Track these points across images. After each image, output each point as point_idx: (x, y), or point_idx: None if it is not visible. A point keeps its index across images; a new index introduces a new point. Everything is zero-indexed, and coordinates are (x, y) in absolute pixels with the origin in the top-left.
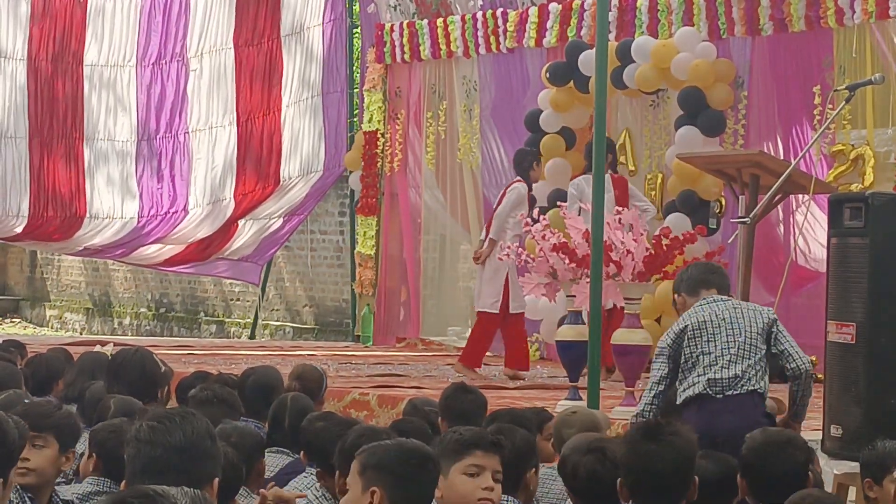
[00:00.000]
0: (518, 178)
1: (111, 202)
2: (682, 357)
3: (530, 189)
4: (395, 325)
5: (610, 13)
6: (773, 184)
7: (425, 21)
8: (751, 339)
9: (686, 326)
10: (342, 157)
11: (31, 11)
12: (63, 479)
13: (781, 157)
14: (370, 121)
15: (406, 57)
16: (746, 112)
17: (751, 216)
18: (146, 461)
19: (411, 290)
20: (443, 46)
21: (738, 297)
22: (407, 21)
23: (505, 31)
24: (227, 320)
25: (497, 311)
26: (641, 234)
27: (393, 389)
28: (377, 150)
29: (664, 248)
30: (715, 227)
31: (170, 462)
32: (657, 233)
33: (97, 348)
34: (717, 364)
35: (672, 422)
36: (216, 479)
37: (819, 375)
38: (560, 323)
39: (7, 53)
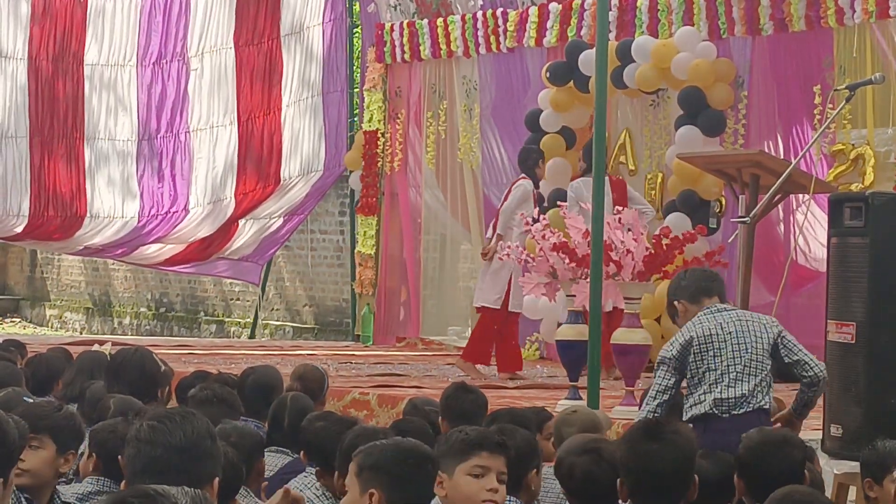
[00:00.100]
0: (523, 175)
1: (112, 202)
2: (689, 372)
3: (536, 186)
4: (395, 325)
5: (610, 13)
6: (773, 183)
7: (425, 21)
8: (758, 355)
9: (692, 338)
10: (342, 156)
11: (31, 11)
12: (63, 479)
13: (781, 157)
14: (370, 120)
15: (406, 57)
16: (746, 112)
17: (751, 216)
18: (146, 461)
19: (411, 290)
20: (443, 46)
21: (738, 296)
22: (407, 21)
23: (505, 30)
24: (227, 320)
25: (499, 308)
26: (641, 234)
27: (393, 389)
28: (377, 150)
29: (664, 247)
30: (715, 226)
31: (170, 462)
32: (657, 232)
33: (95, 347)
34: (723, 381)
35: (672, 421)
36: (216, 479)
37: None
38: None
39: (7, 53)
